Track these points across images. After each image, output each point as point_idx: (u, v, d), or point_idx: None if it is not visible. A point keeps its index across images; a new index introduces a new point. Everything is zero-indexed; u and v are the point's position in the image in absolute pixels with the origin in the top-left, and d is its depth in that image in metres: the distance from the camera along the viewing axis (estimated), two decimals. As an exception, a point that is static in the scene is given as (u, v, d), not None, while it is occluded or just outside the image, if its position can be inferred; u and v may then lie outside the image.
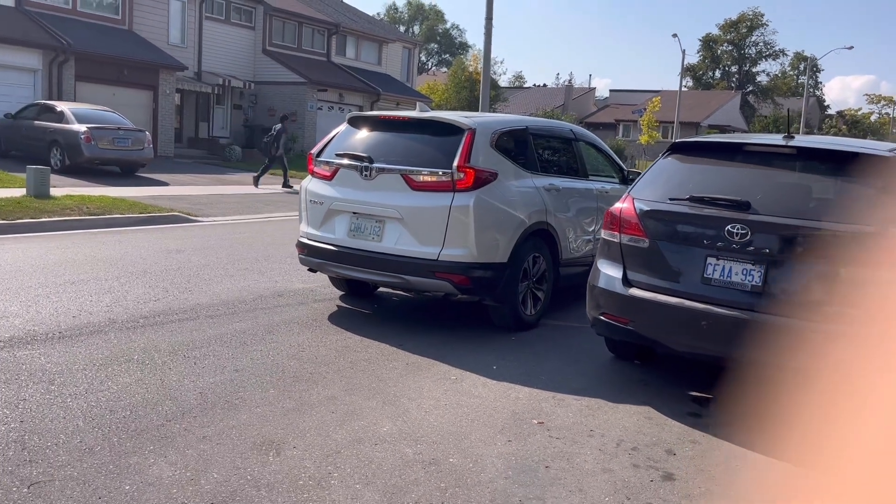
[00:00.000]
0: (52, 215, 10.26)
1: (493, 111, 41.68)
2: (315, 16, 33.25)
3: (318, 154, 6.33)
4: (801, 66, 72.34)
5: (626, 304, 4.63)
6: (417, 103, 7.09)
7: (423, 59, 78.44)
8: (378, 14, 77.65)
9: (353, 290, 6.95)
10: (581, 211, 6.87)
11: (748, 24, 71.98)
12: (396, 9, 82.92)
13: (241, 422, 3.90)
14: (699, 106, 55.95)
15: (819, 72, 77.41)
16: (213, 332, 5.50)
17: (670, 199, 4.63)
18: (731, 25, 72.71)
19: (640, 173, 7.75)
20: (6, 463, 3.26)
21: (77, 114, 17.23)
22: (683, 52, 43.39)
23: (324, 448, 3.64)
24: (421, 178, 5.67)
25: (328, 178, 6.14)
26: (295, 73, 30.05)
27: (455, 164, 5.58)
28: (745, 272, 4.24)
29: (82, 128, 16.52)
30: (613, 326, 4.77)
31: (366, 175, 5.85)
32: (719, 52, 73.86)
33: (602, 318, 4.81)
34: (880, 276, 3.92)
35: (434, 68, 77.80)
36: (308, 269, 6.49)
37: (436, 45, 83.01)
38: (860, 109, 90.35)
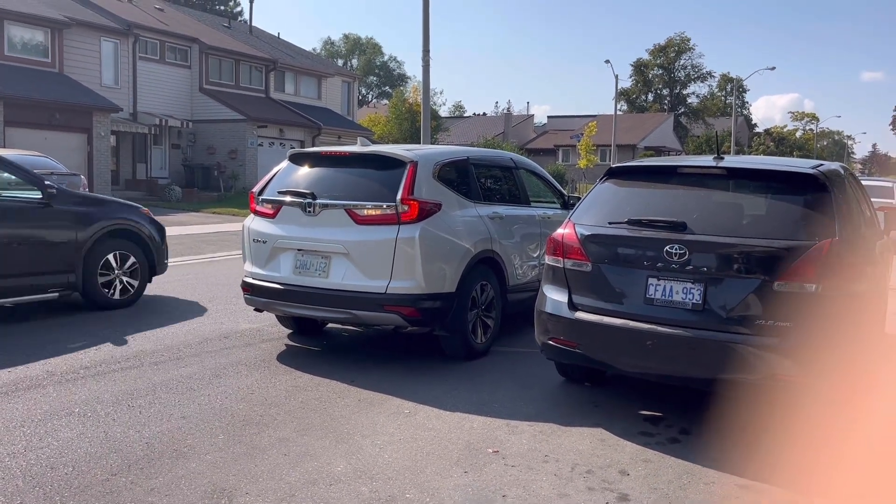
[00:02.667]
0: (-17, 266, 9.86)
1: (435, 141, 42.03)
2: (251, 53, 33.16)
3: (260, 192, 6.28)
4: (728, 87, 75.23)
5: (572, 327, 4.70)
6: (359, 138, 6.98)
7: (364, 92, 78.83)
8: (315, 49, 77.79)
9: (302, 329, 6.86)
10: (525, 237, 6.93)
11: (676, 48, 74.67)
12: (333, 43, 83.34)
13: (190, 470, 3.79)
14: (634, 128, 57.55)
15: (745, 92, 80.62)
16: (158, 378, 5.36)
17: (609, 223, 4.75)
18: (660, 50, 75.30)
19: (580, 198, 7.93)
20: (-60, 531, 3.10)
21: (7, 160, 16.70)
22: (616, 77, 44.66)
23: (277, 492, 3.58)
24: (365, 212, 5.66)
25: (271, 217, 6.09)
26: (234, 111, 29.83)
27: (399, 196, 5.60)
28: (685, 291, 4.36)
29: (13, 174, 16.02)
30: (562, 350, 4.83)
31: (309, 211, 5.82)
32: (651, 76, 76.33)
33: (550, 342, 4.87)
34: (811, 287, 4.07)
35: (375, 101, 78.23)
36: (254, 309, 6.39)
37: (375, 78, 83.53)
38: (785, 126, 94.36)
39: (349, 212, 5.70)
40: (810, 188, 4.44)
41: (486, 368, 5.91)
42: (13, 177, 7.30)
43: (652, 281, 4.46)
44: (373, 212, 5.65)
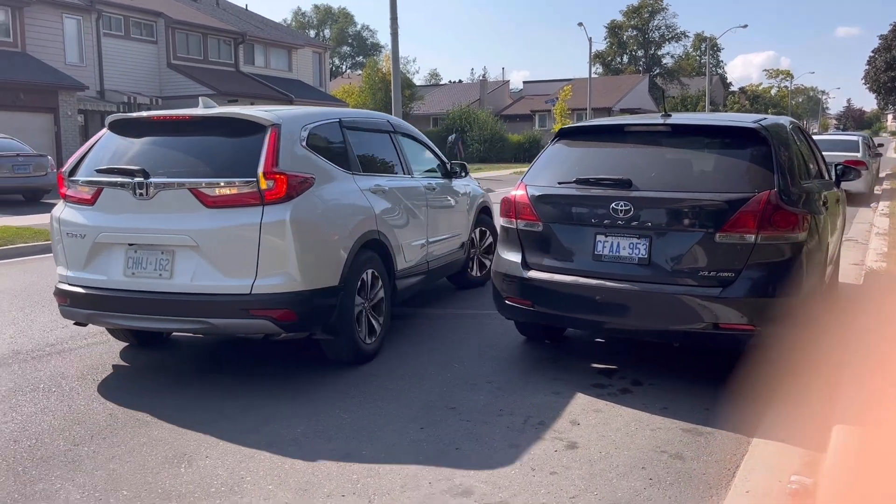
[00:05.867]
0: (-50, 250, 9.83)
1: (409, 110, 41.76)
2: (219, 26, 32.64)
3: (72, 172, 4.97)
4: (703, 47, 75.22)
5: (526, 286, 4.82)
6: (201, 98, 5.55)
7: (338, 62, 77.98)
8: (285, 20, 76.66)
9: (142, 340, 5.59)
10: (411, 212, 6.02)
11: (649, 8, 74.41)
12: (304, 14, 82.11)
13: (152, 438, 3.90)
14: (610, 91, 57.46)
15: (720, 51, 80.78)
16: (127, 352, 5.43)
17: (559, 183, 4.85)
18: (633, 11, 75.05)
19: (464, 164, 7.46)
20: None
21: (-29, 143, 16.49)
22: (590, 39, 44.45)
23: (237, 454, 3.69)
24: (217, 191, 4.49)
25: (89, 203, 4.81)
26: (203, 86, 29.42)
27: (261, 169, 4.47)
28: (631, 246, 4.48)
29: (-22, 157, 15.84)
30: (518, 309, 4.96)
31: (141, 194, 4.59)
32: (625, 37, 76.15)
33: (507, 302, 4.99)
34: (751, 238, 4.21)
35: (349, 71, 77.43)
36: (75, 323, 5.05)
37: (348, 48, 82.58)
38: (760, 84, 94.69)
39: (195, 192, 4.51)
40: (751, 142, 4.56)
41: (449, 329, 6.04)
42: None
43: (600, 238, 4.58)
44: (227, 191, 4.49)
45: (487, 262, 7.63)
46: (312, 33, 74.83)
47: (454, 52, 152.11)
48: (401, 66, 23.07)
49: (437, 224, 6.49)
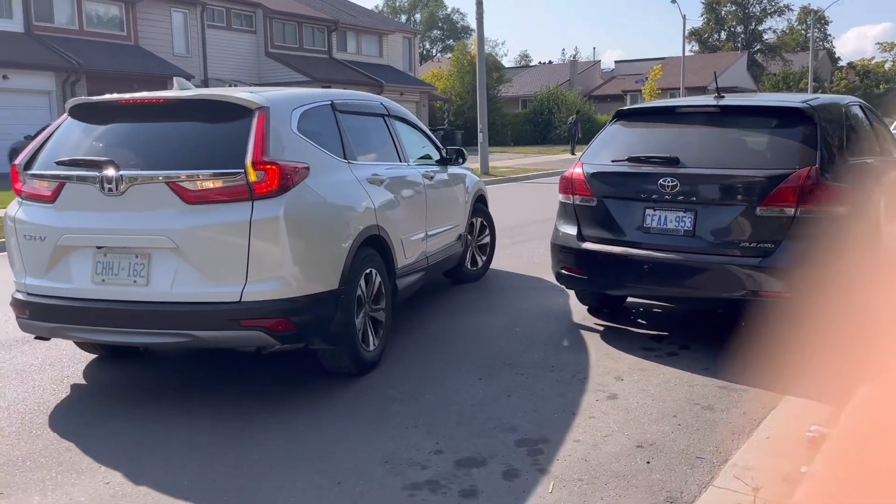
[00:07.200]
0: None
1: (497, 92, 41.97)
2: (314, 14, 33.93)
3: (28, 164, 4.33)
4: (808, 20, 71.62)
5: (580, 257, 5.24)
6: (175, 79, 5.09)
7: (428, 46, 78.90)
8: (377, 7, 78.12)
9: (115, 352, 5.03)
10: (410, 204, 5.56)
11: (750, -18, 71.35)
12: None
13: (247, 392, 4.60)
14: (705, 69, 55.68)
15: (828, 24, 76.61)
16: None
17: (613, 161, 5.23)
18: (732, -15, 72.14)
19: (461, 150, 7.01)
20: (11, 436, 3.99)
21: (93, 130, 18.09)
22: (684, 17, 43.68)
23: (313, 394, 4.34)
24: (200, 184, 3.95)
25: (48, 200, 4.21)
26: (299, 73, 30.79)
27: (249, 159, 3.93)
28: (678, 219, 4.83)
29: (99, 143, 17.37)
30: (573, 278, 5.39)
31: (110, 189, 4.02)
32: (723, 13, 73.39)
33: (563, 271, 5.43)
34: (791, 211, 4.49)
35: (439, 55, 78.17)
36: (36, 338, 4.57)
37: (438, 32, 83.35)
38: (873, 59, 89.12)
39: (174, 186, 3.96)
40: (797, 121, 4.80)
41: (512, 299, 6.52)
42: None
43: (649, 211, 4.95)
44: (211, 184, 3.95)
45: (480, 261, 7.39)
46: (403, 18, 75.98)
47: (544, 33, 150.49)
48: (489, 48, 23.45)
49: (436, 216, 6.05)
